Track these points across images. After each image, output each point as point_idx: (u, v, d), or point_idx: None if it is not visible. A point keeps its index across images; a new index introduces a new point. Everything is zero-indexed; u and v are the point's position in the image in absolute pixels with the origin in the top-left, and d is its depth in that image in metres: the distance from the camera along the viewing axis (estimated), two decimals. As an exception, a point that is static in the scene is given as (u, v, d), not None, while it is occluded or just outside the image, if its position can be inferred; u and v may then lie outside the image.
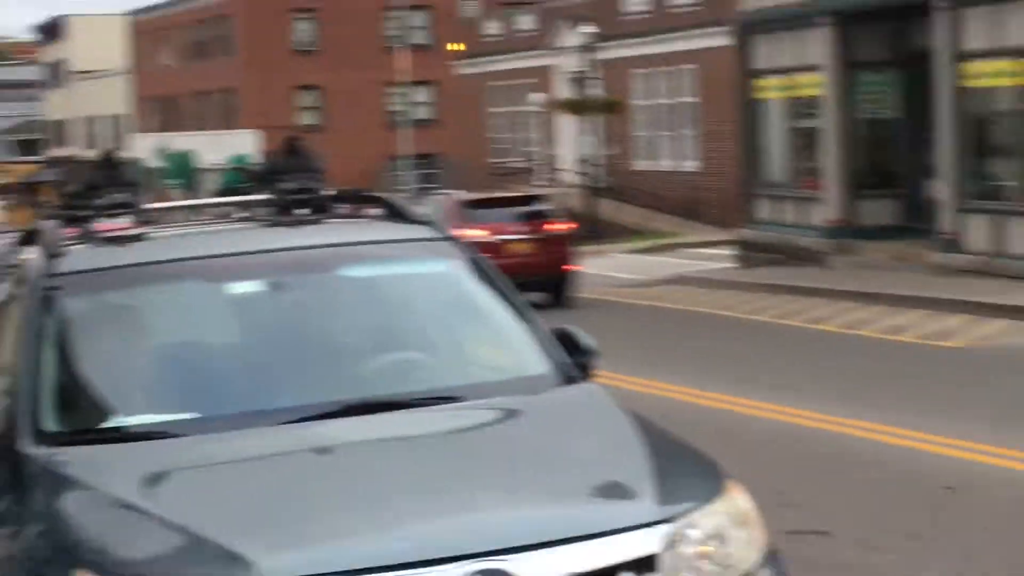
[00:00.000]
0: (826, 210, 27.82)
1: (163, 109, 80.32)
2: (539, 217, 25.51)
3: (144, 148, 69.38)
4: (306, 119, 67.90)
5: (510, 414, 5.55)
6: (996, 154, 23.97)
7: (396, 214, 6.77)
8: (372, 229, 6.65)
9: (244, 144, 63.89)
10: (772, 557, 5.04)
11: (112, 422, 5.50)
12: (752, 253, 29.94)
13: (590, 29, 45.99)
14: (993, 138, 24.03)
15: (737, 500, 5.05)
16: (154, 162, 63.92)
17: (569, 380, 5.86)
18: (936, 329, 18.90)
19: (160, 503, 4.86)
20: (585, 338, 6.16)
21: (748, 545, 4.94)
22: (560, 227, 25.47)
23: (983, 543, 8.70)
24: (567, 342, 6.10)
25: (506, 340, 6.10)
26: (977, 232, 23.69)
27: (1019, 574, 8.03)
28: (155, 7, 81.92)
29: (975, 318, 19.52)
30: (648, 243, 39.26)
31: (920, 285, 22.60)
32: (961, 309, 20.20)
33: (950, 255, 23.94)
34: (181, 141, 70.38)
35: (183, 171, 65.08)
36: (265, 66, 68.88)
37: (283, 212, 6.55)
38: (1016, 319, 19.03)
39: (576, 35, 46.63)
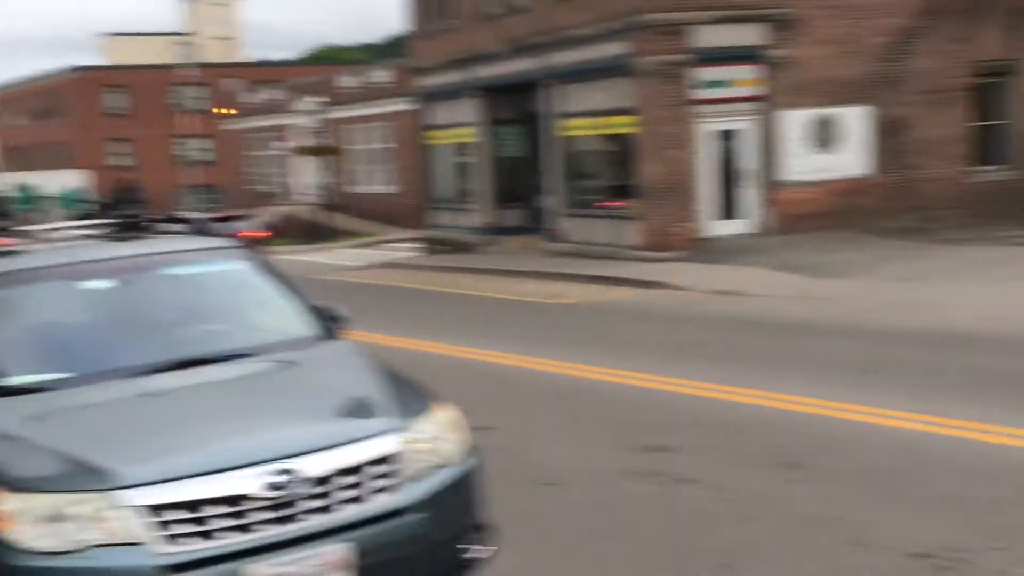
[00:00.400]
0: (480, 216, 28.16)
1: (18, 156, 75.72)
2: (241, 228, 26.32)
3: (4, 184, 65.35)
4: (120, 162, 65.48)
5: (288, 363, 5.38)
6: (582, 178, 24.66)
7: (200, 231, 6.54)
8: (185, 241, 6.39)
9: (76, 180, 60.78)
10: (473, 449, 5.07)
11: (2, 382, 5.11)
12: (432, 245, 30.08)
13: (319, 99, 45.27)
14: (580, 168, 24.70)
15: (445, 412, 5.05)
16: (12, 194, 60.57)
17: (329, 338, 5.75)
18: (551, 291, 19.24)
19: (44, 436, 4.56)
20: (340, 309, 6.06)
21: (455, 442, 4.96)
22: (254, 234, 26.17)
23: (589, 425, 8.96)
24: (326, 312, 5.99)
25: (283, 313, 5.92)
26: (573, 229, 24.37)
27: (617, 438, 8.28)
28: (9, 85, 76.92)
29: (574, 284, 19.95)
30: (362, 240, 38.85)
31: (539, 264, 23.06)
32: (566, 279, 20.62)
33: (557, 244, 24.58)
34: (32, 178, 66.46)
35: (33, 200, 61.50)
36: (88, 125, 65.93)
37: (121, 231, 6.25)
38: (600, 284, 19.56)
39: (309, 103, 45.79)
